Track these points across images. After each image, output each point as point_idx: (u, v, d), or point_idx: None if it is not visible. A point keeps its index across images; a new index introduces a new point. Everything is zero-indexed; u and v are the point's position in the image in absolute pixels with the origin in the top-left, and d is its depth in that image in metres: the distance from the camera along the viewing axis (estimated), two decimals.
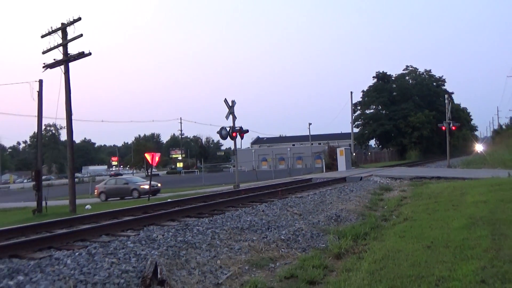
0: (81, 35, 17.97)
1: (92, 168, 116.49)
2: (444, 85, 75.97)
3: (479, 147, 55.28)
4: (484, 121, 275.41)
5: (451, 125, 30.45)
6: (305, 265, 6.49)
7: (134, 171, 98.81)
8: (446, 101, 31.61)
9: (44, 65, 18.99)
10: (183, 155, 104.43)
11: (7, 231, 8.42)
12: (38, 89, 19.67)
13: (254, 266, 6.68)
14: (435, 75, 76.82)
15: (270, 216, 9.79)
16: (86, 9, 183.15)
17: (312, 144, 71.72)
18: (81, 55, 18.06)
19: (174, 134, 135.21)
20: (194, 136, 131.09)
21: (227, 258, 6.87)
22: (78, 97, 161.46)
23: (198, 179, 42.68)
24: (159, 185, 28.80)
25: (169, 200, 15.21)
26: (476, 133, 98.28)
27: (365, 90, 73.87)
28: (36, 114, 19.79)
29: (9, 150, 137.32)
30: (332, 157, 37.36)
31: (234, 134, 20.53)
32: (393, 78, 75.24)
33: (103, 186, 29.19)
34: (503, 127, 71.85)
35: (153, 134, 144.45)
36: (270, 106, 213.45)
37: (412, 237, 7.71)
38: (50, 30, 18.62)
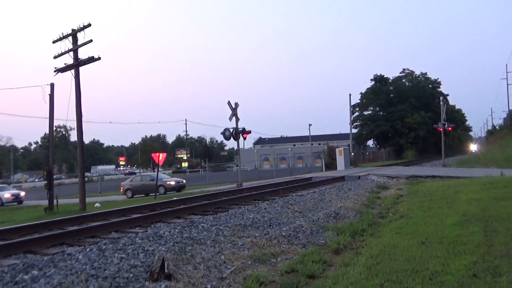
0: (91, 40, 18.06)
1: (100, 167, 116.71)
2: (439, 87, 75.82)
3: (473, 147, 55.22)
4: (478, 122, 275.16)
5: (446, 126, 30.45)
6: (305, 260, 6.52)
7: (142, 170, 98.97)
8: (441, 103, 31.60)
9: (55, 69, 19.09)
10: (188, 155, 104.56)
11: (21, 228, 8.50)
12: (49, 92, 19.77)
13: (257, 261, 6.72)
14: (430, 78, 76.67)
15: (271, 214, 9.83)
16: (95, 14, 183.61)
17: (312, 144, 71.80)
18: (91, 59, 18.15)
19: (179, 134, 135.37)
20: (198, 137, 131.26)
21: (230, 254, 6.93)
22: (87, 99, 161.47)
23: (202, 178, 42.70)
24: (184, 181, 28.43)
25: (174, 198, 15.27)
26: (471, 133, 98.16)
27: (363, 92, 73.86)
28: (48, 116, 19.88)
29: (21, 150, 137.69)
30: (332, 156, 37.34)
31: (237, 135, 20.58)
32: (390, 81, 75.16)
33: (129, 183, 28.76)
34: (497, 127, 71.74)
35: (159, 135, 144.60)
36: (272, 107, 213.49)
37: (408, 233, 7.73)
38: (61, 36, 18.71)
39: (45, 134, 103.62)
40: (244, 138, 21.41)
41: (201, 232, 7.74)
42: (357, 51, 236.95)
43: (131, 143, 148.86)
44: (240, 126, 21.13)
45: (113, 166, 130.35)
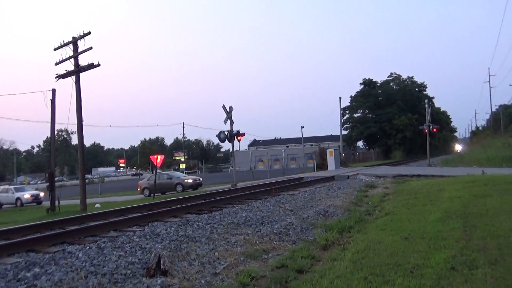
0: (91, 48, 18.05)
1: (101, 169, 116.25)
2: (425, 91, 76.29)
3: (458, 147, 55.64)
4: (463, 123, 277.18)
5: (431, 127, 30.69)
6: (294, 256, 6.58)
7: (141, 172, 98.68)
8: (426, 105, 31.80)
9: (57, 75, 19.06)
10: (186, 157, 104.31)
11: (23, 228, 8.50)
12: (51, 98, 19.74)
13: (249, 257, 6.77)
14: (417, 81, 77.21)
15: (264, 212, 9.89)
16: (94, 21, 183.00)
17: (304, 145, 71.88)
18: (91, 66, 18.15)
19: (177, 137, 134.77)
20: (195, 139, 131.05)
21: (224, 251, 6.98)
22: (88, 104, 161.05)
23: None
24: (200, 179, 28.08)
25: (172, 198, 15.28)
26: (456, 134, 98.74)
27: (353, 95, 74.26)
28: (50, 121, 19.84)
29: (24, 154, 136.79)
30: (323, 157, 37.45)
31: (231, 138, 20.64)
32: (378, 84, 75.58)
33: (146, 182, 28.08)
34: (480, 128, 72.34)
35: (157, 138, 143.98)
36: (266, 110, 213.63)
37: (392, 229, 7.81)
38: (62, 44, 18.69)
39: (47, 137, 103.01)
40: (239, 140, 21.47)
41: (196, 230, 7.79)
42: (347, 56, 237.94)
43: (131, 145, 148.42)
44: (235, 128, 21.22)
45: (113, 168, 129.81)
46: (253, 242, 7.62)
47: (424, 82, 77.72)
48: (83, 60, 18.83)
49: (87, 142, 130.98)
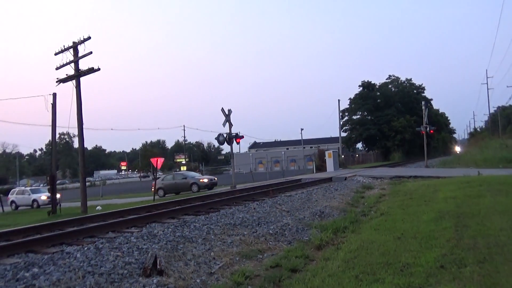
0: (91, 52, 18.19)
1: (103, 172, 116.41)
2: (423, 92, 76.35)
3: (458, 148, 55.75)
4: (462, 125, 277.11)
5: (428, 129, 30.76)
6: (289, 255, 6.64)
7: (142, 174, 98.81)
8: (423, 107, 31.89)
9: (57, 79, 19.19)
10: (187, 159, 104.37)
11: (24, 230, 8.58)
12: (52, 102, 19.87)
13: (244, 257, 6.84)
14: (415, 83, 77.32)
15: (260, 213, 9.95)
16: (95, 25, 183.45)
17: (304, 147, 71.99)
18: (91, 70, 18.28)
19: (178, 140, 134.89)
20: (196, 142, 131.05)
21: (220, 251, 7.05)
22: (89, 107, 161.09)
23: None
24: (215, 179, 27.91)
25: (170, 200, 15.35)
26: (455, 135, 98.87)
27: (352, 97, 74.43)
28: (51, 124, 19.96)
29: (27, 157, 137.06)
30: (322, 159, 37.53)
31: (230, 140, 20.75)
32: (377, 87, 75.75)
33: (161, 182, 27.64)
34: (478, 130, 72.44)
35: (159, 141, 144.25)
36: (266, 113, 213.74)
37: (386, 229, 7.86)
38: (63, 48, 18.84)
39: (49, 141, 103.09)
40: (237, 143, 21.60)
41: (193, 231, 7.87)
42: (346, 59, 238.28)
43: (132, 148, 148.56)
44: (236, 131, 21.36)
45: (115, 171, 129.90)
46: (249, 242, 7.68)
47: (422, 84, 77.97)
48: (83, 65, 19.07)
49: (89, 145, 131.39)
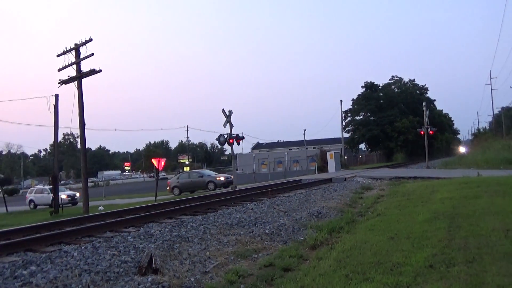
0: (92, 54, 18.37)
1: (106, 173, 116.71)
2: (426, 93, 76.06)
3: (462, 149, 55.61)
4: (466, 125, 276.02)
5: (429, 129, 30.78)
6: (283, 255, 6.71)
7: (146, 175, 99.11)
8: (424, 108, 31.90)
9: (59, 81, 19.40)
10: (190, 160, 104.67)
11: (24, 229, 8.72)
12: (54, 103, 20.07)
13: (239, 256, 6.92)
14: (418, 84, 77.03)
15: (258, 213, 10.04)
16: (98, 26, 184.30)
17: (307, 148, 72.05)
18: (92, 72, 18.47)
19: (181, 140, 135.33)
20: (199, 143, 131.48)
21: (215, 250, 7.14)
22: (93, 108, 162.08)
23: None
24: (231, 177, 27.66)
25: (170, 200, 15.48)
26: (459, 136, 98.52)
27: (354, 98, 74.25)
28: (53, 125, 20.17)
29: (31, 157, 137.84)
30: (324, 160, 37.54)
31: (231, 141, 20.88)
32: (380, 87, 75.59)
33: (176, 181, 27.58)
34: (481, 130, 72.18)
35: (162, 141, 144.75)
36: (269, 114, 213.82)
37: (380, 229, 7.93)
38: (65, 50, 19.04)
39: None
40: (238, 144, 21.73)
41: (190, 230, 7.98)
42: (349, 59, 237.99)
43: (136, 149, 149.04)
44: (240, 131, 21.51)
45: (119, 172, 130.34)
46: (244, 242, 7.78)
47: (425, 85, 77.68)
48: (85, 66, 19.16)
49: (93, 146, 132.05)
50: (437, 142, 69.79)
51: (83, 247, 6.55)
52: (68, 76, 19.06)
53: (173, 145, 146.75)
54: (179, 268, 6.14)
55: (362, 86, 74.67)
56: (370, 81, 74.28)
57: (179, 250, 6.84)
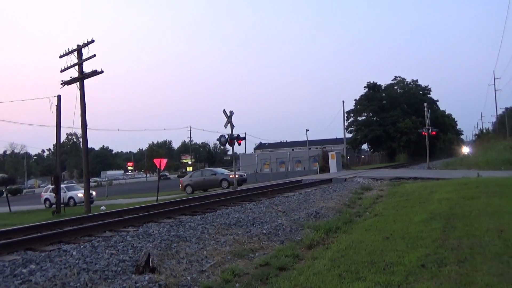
0: (94, 55, 18.52)
1: (109, 172, 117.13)
2: (429, 94, 76.08)
3: (465, 150, 55.50)
4: (470, 126, 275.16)
5: (430, 130, 30.80)
6: (279, 254, 6.77)
7: (148, 175, 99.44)
8: (425, 109, 31.91)
9: (62, 82, 19.57)
10: (193, 160, 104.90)
11: (25, 229, 8.82)
12: (56, 104, 20.22)
13: (236, 256, 6.99)
14: (421, 85, 77.07)
15: (256, 213, 10.10)
16: (100, 27, 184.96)
17: (310, 148, 72.07)
18: (95, 73, 18.61)
19: (184, 140, 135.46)
20: (202, 143, 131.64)
21: (213, 250, 7.22)
22: (96, 108, 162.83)
23: None
24: (245, 175, 27.76)
25: (170, 200, 15.58)
26: (462, 137, 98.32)
27: (357, 99, 74.34)
28: (55, 125, 20.31)
29: (35, 157, 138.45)
30: (326, 160, 37.59)
31: (231, 141, 20.98)
32: (382, 88, 75.60)
33: (189, 179, 27.23)
34: (484, 131, 71.98)
35: (165, 141, 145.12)
36: (272, 114, 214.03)
37: (376, 230, 7.98)
38: (67, 51, 19.20)
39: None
40: (239, 144, 21.82)
41: (188, 230, 8.07)
42: (351, 60, 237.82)
43: (139, 149, 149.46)
44: (242, 132, 21.84)
45: (122, 171, 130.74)
46: (242, 242, 7.85)
47: (428, 85, 77.70)
48: (87, 67, 19.31)
49: (96, 146, 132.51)
50: (440, 142, 69.71)
51: (82, 246, 6.66)
52: (71, 77, 19.23)
53: (176, 145, 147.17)
54: (176, 267, 6.23)
55: (364, 87, 74.77)
56: (373, 82, 74.41)
57: (177, 250, 6.93)
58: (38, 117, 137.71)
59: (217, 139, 21.30)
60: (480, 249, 5.89)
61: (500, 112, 69.88)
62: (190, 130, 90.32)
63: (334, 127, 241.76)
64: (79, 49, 18.97)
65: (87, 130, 19.31)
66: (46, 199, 30.54)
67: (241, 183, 25.95)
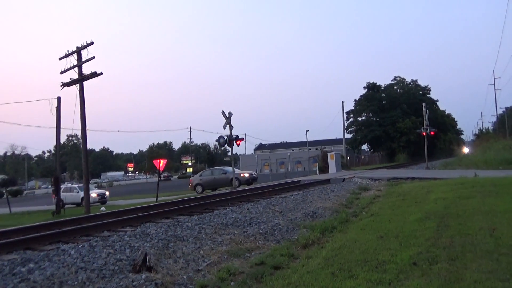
0: (94, 57, 18.65)
1: (110, 174, 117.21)
2: (429, 94, 76.19)
3: (466, 149, 55.62)
4: (471, 126, 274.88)
5: (429, 130, 30.92)
6: (274, 254, 6.85)
7: (149, 176, 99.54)
8: (424, 109, 32.04)
9: (61, 83, 19.68)
10: (193, 161, 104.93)
11: (24, 229, 8.93)
12: (56, 105, 20.35)
13: (232, 255, 7.08)
14: (421, 85, 77.17)
15: (253, 214, 10.20)
16: (100, 28, 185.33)
17: (310, 149, 72.15)
18: (94, 75, 18.73)
19: (184, 142, 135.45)
20: (203, 143, 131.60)
21: (209, 249, 7.32)
22: (96, 110, 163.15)
23: None
24: (255, 173, 27.74)
25: (168, 201, 15.68)
26: (463, 136, 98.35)
27: (357, 99, 74.51)
28: (55, 127, 20.43)
29: (36, 158, 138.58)
30: (325, 160, 37.71)
31: (230, 142, 21.08)
32: (382, 88, 75.73)
33: (199, 178, 27.14)
34: (484, 131, 72.07)
35: (165, 142, 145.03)
36: (272, 114, 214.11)
37: (371, 229, 8.06)
38: (67, 53, 19.33)
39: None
40: (238, 145, 21.91)
41: (185, 230, 8.17)
42: (351, 60, 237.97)
43: (139, 150, 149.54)
44: (243, 133, 21.93)
45: (122, 173, 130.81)
46: (238, 241, 7.95)
47: (428, 85, 77.83)
48: (87, 69, 19.45)
49: (97, 147, 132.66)
50: (440, 142, 69.78)
51: (80, 246, 6.76)
52: (70, 78, 19.37)
53: (176, 146, 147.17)
54: (173, 266, 6.33)
55: (364, 87, 74.95)
56: (373, 82, 74.58)
57: (174, 249, 7.03)
58: (39, 118, 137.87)
59: (216, 140, 21.49)
60: (472, 247, 5.98)
61: (500, 111, 69.99)
62: (190, 131, 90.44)
63: (334, 128, 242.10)
64: (78, 51, 19.10)
65: (87, 132, 19.50)
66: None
67: (251, 182, 25.84)
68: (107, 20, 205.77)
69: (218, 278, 5.89)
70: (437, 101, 76.33)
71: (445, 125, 74.05)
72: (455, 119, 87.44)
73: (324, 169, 36.78)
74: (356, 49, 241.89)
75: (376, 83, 74.74)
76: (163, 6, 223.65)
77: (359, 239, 7.27)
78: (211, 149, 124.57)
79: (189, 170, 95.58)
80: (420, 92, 75.47)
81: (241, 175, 26.57)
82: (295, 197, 13.17)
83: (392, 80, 77.48)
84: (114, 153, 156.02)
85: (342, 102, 54.05)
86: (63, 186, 33.52)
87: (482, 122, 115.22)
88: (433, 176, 19.07)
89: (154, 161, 24.93)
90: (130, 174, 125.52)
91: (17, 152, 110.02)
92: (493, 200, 9.99)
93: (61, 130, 20.98)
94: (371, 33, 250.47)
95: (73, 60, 19.26)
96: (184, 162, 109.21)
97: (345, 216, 10.09)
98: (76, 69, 19.21)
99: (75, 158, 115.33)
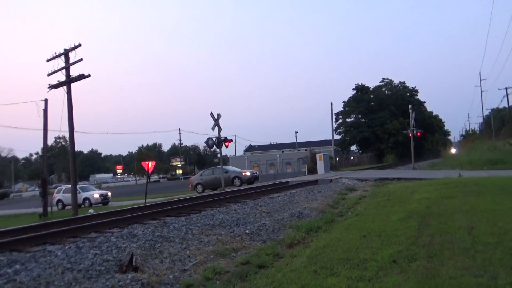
0: (81, 59, 18.58)
1: (98, 176, 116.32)
2: (417, 95, 77.16)
3: (453, 150, 56.45)
4: (458, 127, 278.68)
5: (415, 131, 31.35)
6: (260, 253, 6.99)
7: (138, 178, 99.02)
8: (410, 110, 32.47)
9: (49, 85, 19.57)
10: (183, 163, 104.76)
11: (11, 231, 8.92)
12: (43, 107, 20.23)
13: (218, 255, 7.19)
14: (408, 86, 78.12)
15: (240, 214, 10.31)
16: (88, 29, 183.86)
17: (299, 150, 72.36)
18: (81, 77, 18.68)
19: (174, 143, 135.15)
20: (192, 145, 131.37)
21: (196, 249, 7.42)
22: (84, 111, 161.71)
23: None
24: (257, 173, 27.68)
25: (155, 203, 15.69)
26: (450, 137, 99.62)
27: (346, 100, 75.11)
28: (43, 129, 20.31)
29: (23, 161, 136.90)
30: (314, 162, 37.96)
31: (219, 144, 21.16)
32: (371, 90, 76.52)
33: (199, 178, 26.87)
34: (470, 132, 73.18)
35: (155, 144, 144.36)
36: (262, 116, 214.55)
37: (355, 228, 8.23)
38: (54, 55, 19.25)
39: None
40: (226, 146, 21.97)
41: (172, 231, 8.25)
42: (340, 62, 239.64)
43: (129, 152, 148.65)
44: (232, 134, 21.98)
45: (111, 175, 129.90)
46: (225, 241, 8.06)
47: (415, 87, 78.90)
48: (75, 71, 19.41)
49: (85, 149, 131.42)
50: (427, 143, 70.68)
51: (67, 247, 6.80)
52: (58, 80, 19.29)
53: (165, 147, 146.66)
54: (159, 266, 6.42)
55: (353, 89, 75.63)
56: (361, 84, 75.27)
57: (160, 250, 7.12)
58: (26, 120, 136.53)
59: (205, 142, 21.50)
60: (450, 245, 6.16)
61: (486, 113, 71.16)
62: (179, 133, 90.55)
63: (323, 129, 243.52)
64: (66, 53, 19.03)
65: (75, 134, 19.43)
66: (59, 201, 29.07)
67: (252, 180, 25.75)
68: (95, 22, 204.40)
69: (204, 278, 6.00)
70: (424, 102, 77.45)
71: (433, 126, 75.01)
72: (443, 120, 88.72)
73: (313, 170, 37.04)
74: (345, 51, 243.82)
75: (364, 84, 75.56)
76: (152, 8, 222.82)
77: (342, 239, 7.43)
78: (201, 151, 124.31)
79: (179, 171, 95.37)
80: (408, 94, 76.40)
81: (243, 174, 26.38)
82: (283, 198, 13.30)
83: (380, 82, 78.45)
84: (102, 155, 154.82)
85: (331, 103, 54.58)
86: (63, 186, 32.95)
87: (469, 123, 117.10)
88: (418, 176, 19.36)
89: (143, 163, 24.86)
90: (119, 176, 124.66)
91: (3, 154, 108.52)
92: (475, 200, 10.22)
93: (49, 132, 20.89)
94: (360, 35, 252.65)
95: (60, 62, 19.25)
96: (174, 163, 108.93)
97: (331, 216, 10.25)
98: (63, 71, 19.13)
99: (63, 160, 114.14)
